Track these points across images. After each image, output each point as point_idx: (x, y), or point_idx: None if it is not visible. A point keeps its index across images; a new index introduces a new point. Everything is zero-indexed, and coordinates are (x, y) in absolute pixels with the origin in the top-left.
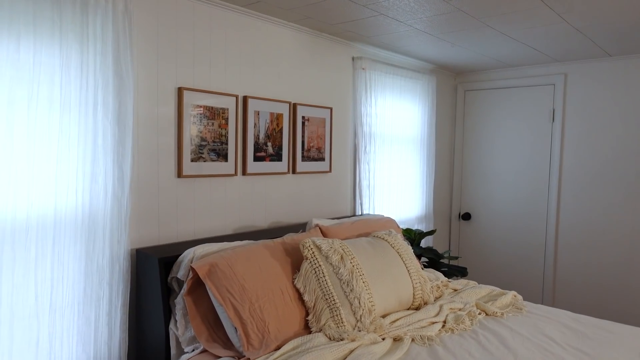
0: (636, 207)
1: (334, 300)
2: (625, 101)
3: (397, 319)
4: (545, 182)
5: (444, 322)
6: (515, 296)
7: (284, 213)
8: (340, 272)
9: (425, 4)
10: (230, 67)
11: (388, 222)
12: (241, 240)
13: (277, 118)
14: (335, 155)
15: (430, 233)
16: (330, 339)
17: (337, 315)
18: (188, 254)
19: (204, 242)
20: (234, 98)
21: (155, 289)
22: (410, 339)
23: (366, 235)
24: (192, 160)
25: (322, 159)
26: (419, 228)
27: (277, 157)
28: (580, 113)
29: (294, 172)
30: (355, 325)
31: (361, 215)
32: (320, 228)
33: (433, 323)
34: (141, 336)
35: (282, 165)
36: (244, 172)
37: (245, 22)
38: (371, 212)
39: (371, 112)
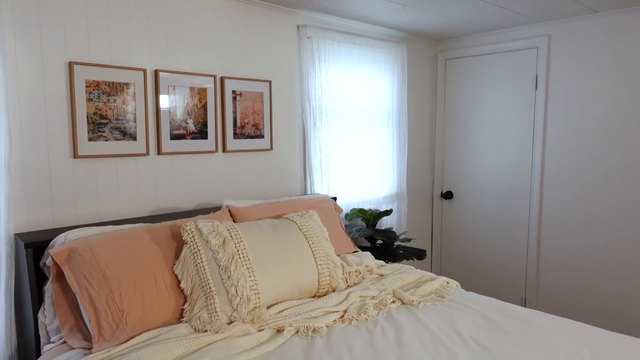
0: (623, 181)
1: (210, 287)
2: (614, 65)
3: (286, 309)
4: (529, 156)
5: (345, 311)
6: (448, 283)
7: (214, 194)
8: (219, 258)
9: None
10: (137, 38)
11: (322, 202)
12: (156, 222)
13: (199, 93)
14: (278, 132)
15: (387, 213)
16: (195, 330)
17: (211, 304)
18: (59, 239)
19: (109, 225)
20: (141, 72)
21: (25, 276)
22: (295, 331)
23: (280, 217)
24: (90, 140)
25: (261, 136)
26: (391, 208)
27: (200, 134)
28: (565, 79)
29: (224, 150)
30: (231, 315)
31: (307, 194)
32: (230, 210)
33: (330, 312)
34: (20, 325)
35: (209, 144)
36: (158, 152)
37: None
38: (324, 192)
39: (321, 84)
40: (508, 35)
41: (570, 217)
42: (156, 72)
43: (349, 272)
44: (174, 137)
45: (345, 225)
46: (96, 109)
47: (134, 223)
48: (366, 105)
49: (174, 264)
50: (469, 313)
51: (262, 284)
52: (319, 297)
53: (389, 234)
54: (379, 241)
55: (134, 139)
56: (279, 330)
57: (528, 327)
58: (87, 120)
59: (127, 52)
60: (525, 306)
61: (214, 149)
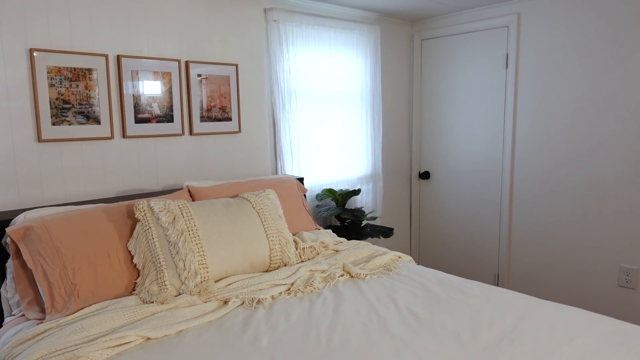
0: (589, 160)
1: (160, 262)
2: (582, 42)
3: (234, 282)
4: (501, 135)
5: (292, 284)
6: (399, 257)
7: (183, 175)
8: (168, 234)
9: None
10: (98, 23)
11: (284, 182)
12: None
13: (163, 77)
14: (246, 115)
15: (355, 193)
16: (143, 301)
17: (160, 278)
18: (19, 218)
19: (70, 205)
20: (103, 58)
21: None
22: (241, 302)
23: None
24: (53, 124)
25: (229, 119)
26: (359, 188)
27: (166, 118)
28: (534, 57)
29: (191, 133)
30: (180, 288)
31: (276, 175)
32: (189, 190)
33: (277, 285)
34: None
35: (175, 127)
36: (123, 135)
37: None
38: (295, 173)
39: (289, 67)
40: (481, 14)
41: (540, 196)
42: (118, 58)
43: (303, 248)
44: (139, 120)
45: (316, 206)
46: (59, 94)
47: (97, 204)
48: (338, 87)
49: (128, 241)
50: (410, 284)
51: (211, 258)
52: (271, 271)
53: (356, 213)
54: (348, 220)
55: (98, 122)
56: (226, 302)
57: (461, 296)
58: (50, 105)
59: (88, 38)
60: (497, 283)
61: (180, 132)
